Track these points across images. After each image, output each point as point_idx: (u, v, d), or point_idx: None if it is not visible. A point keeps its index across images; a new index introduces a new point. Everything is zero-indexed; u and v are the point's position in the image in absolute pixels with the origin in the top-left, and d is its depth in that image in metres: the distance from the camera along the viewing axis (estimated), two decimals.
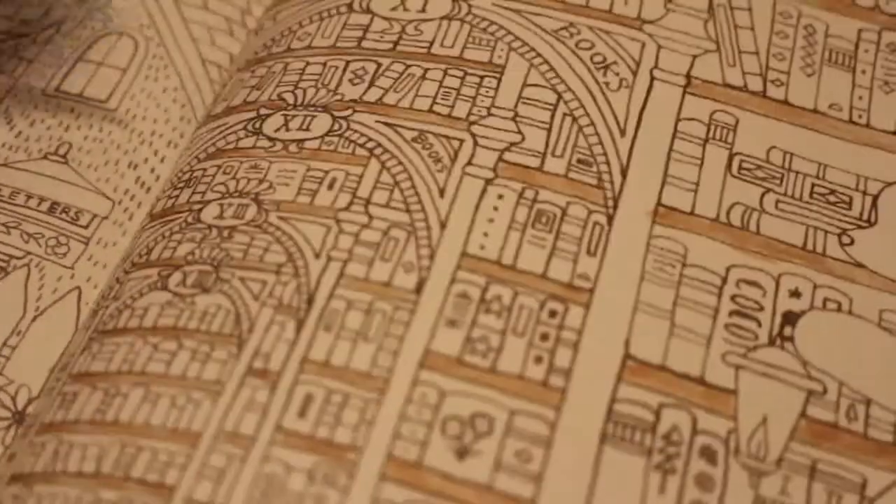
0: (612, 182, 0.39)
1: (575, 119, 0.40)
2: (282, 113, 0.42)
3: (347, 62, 0.43)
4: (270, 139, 0.41)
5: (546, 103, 0.41)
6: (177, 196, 0.41)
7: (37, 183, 0.45)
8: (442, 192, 0.39)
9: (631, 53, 0.42)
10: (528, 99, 0.41)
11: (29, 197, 0.44)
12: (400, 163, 0.39)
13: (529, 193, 0.39)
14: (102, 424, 0.35)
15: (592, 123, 0.40)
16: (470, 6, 0.43)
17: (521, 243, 0.38)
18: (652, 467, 0.34)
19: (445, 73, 0.42)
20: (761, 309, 0.37)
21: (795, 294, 0.38)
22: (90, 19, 0.49)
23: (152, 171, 0.45)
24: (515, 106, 0.41)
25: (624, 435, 0.34)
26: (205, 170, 0.41)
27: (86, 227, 0.44)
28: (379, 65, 0.42)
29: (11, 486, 0.35)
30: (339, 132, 0.40)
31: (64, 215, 0.44)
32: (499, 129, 0.40)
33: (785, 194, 0.40)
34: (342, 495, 0.33)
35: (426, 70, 0.42)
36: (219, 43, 0.49)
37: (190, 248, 0.39)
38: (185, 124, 0.47)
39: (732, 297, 0.37)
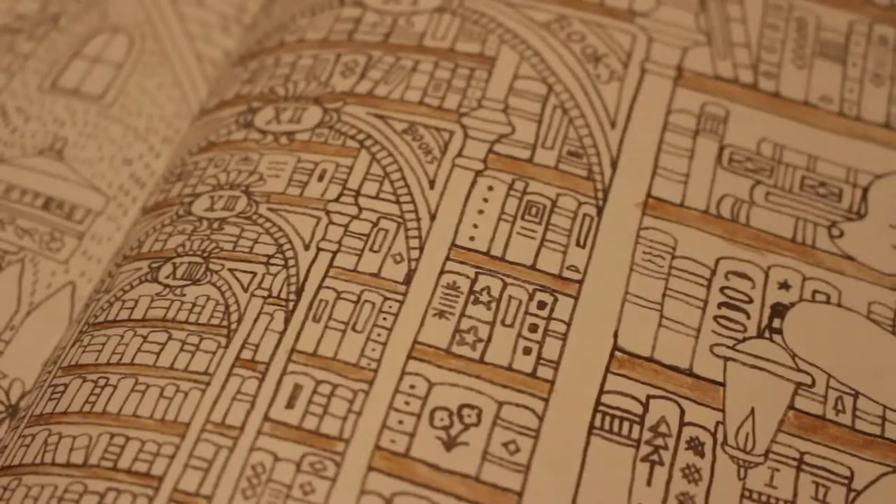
0: (602, 174, 0.39)
1: (565, 111, 0.40)
2: (273, 106, 0.42)
3: (339, 55, 0.43)
4: (261, 132, 0.41)
5: (536, 95, 0.41)
6: (169, 190, 0.41)
7: (32, 179, 0.45)
8: (432, 184, 0.38)
9: (622, 46, 0.42)
10: (518, 91, 0.41)
11: (24, 193, 0.44)
12: (390, 154, 0.39)
13: (519, 185, 0.39)
14: (91, 415, 0.35)
15: (583, 115, 0.40)
16: None
17: (511, 234, 0.38)
18: (639, 459, 0.34)
19: (436, 65, 0.42)
20: (750, 301, 0.37)
21: (784, 286, 0.37)
22: (86, 15, 0.49)
23: (147, 166, 0.45)
24: (506, 98, 0.41)
25: (612, 426, 0.34)
26: (196, 163, 0.41)
27: (80, 223, 0.44)
28: (370, 57, 0.42)
29: (2, 478, 0.35)
30: (329, 124, 0.40)
31: (59, 211, 0.44)
32: (489, 121, 0.40)
33: (775, 186, 0.40)
34: (329, 486, 0.33)
35: (417, 62, 0.42)
36: (214, 39, 0.49)
37: (180, 240, 0.39)
38: (179, 120, 0.47)
39: (722, 289, 0.37)
